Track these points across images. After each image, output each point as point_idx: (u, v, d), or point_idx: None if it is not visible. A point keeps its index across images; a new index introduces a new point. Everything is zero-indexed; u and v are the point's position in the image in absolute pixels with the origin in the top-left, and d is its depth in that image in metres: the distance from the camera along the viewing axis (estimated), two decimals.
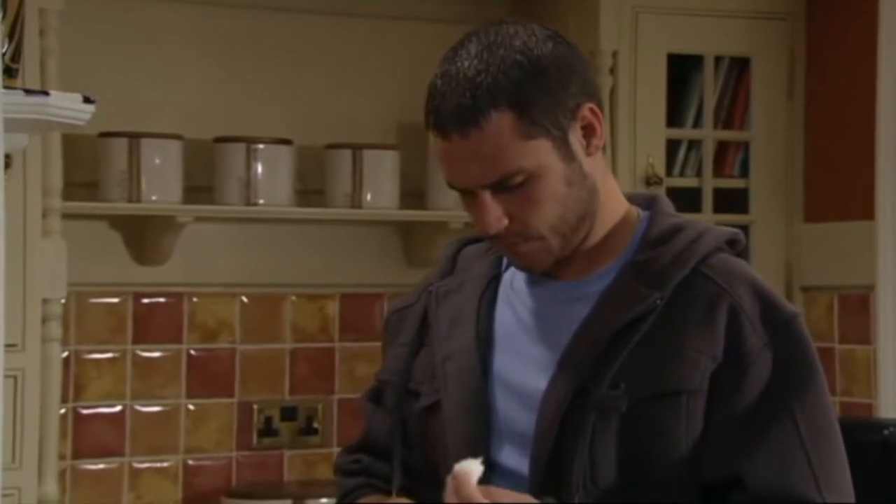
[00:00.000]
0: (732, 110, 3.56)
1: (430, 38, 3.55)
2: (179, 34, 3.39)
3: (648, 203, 1.61)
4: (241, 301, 3.46)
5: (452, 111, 1.46)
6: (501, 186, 1.48)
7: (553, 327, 1.54)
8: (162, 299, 3.38)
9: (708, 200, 3.49)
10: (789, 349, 1.50)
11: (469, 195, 1.51)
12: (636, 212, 1.60)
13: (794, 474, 1.46)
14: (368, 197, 3.37)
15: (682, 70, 3.50)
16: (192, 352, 3.42)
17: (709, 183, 3.52)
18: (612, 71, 3.40)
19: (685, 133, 3.53)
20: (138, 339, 3.36)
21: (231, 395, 3.44)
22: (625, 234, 1.57)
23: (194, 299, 3.41)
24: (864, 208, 3.32)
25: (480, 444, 1.51)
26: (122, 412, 3.34)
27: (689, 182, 3.50)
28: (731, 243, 1.58)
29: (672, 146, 3.50)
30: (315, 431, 3.50)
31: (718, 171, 3.54)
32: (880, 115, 3.27)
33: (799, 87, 3.55)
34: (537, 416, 1.50)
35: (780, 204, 3.54)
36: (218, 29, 3.41)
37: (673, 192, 3.18)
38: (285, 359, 3.49)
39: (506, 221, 1.49)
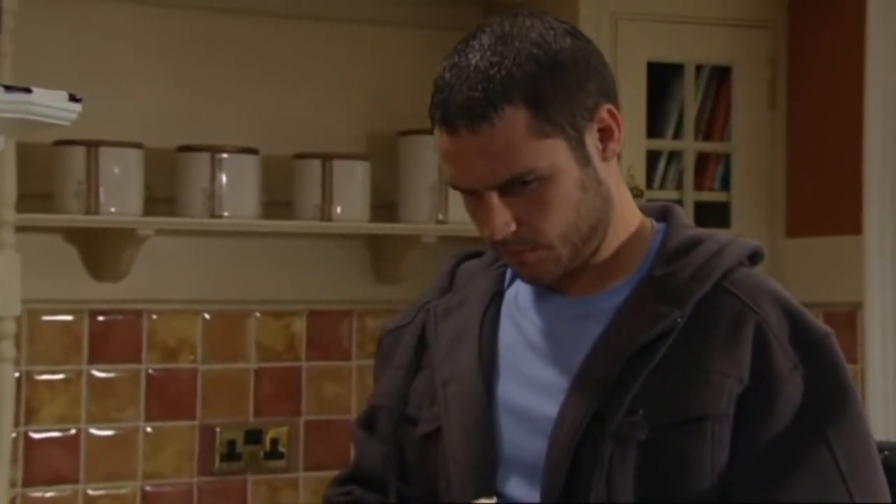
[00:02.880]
0: (713, 121, 3.40)
1: (402, 44, 3.38)
2: (140, 38, 3.17)
3: (662, 214, 1.49)
4: (204, 318, 3.24)
5: (462, 104, 1.35)
6: (511, 188, 1.37)
7: (562, 347, 1.42)
8: (120, 317, 3.15)
9: (689, 214, 3.29)
10: (821, 371, 1.38)
11: (474, 197, 1.39)
12: (650, 223, 1.48)
13: None
14: (338, 209, 3.17)
15: (661, 79, 3.33)
16: (151, 372, 3.19)
17: (689, 196, 3.34)
18: None
19: (665, 144, 3.36)
20: (94, 358, 3.13)
21: (192, 418, 3.21)
22: (638, 247, 1.45)
23: (154, 316, 3.19)
24: (850, 222, 3.16)
25: (486, 475, 1.40)
26: (76, 436, 3.11)
27: (669, 195, 3.32)
28: (752, 257, 1.46)
29: (652, 158, 3.32)
30: (280, 455, 3.28)
31: (699, 184, 3.38)
32: (867, 124, 3.12)
33: (781, 97, 3.40)
34: (548, 444, 1.37)
35: (763, 218, 3.38)
36: (181, 33, 3.20)
37: None
38: (249, 379, 3.27)
39: (513, 227, 1.38)
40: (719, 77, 3.39)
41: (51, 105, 1.70)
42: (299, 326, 3.30)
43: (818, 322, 1.42)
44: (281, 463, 3.28)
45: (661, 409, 1.35)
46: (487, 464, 1.40)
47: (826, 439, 1.36)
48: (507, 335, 1.46)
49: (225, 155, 3.08)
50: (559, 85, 1.36)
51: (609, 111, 1.40)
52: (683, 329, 1.37)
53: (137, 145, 3.03)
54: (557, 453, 1.36)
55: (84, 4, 3.10)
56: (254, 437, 3.25)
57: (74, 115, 1.72)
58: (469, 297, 1.49)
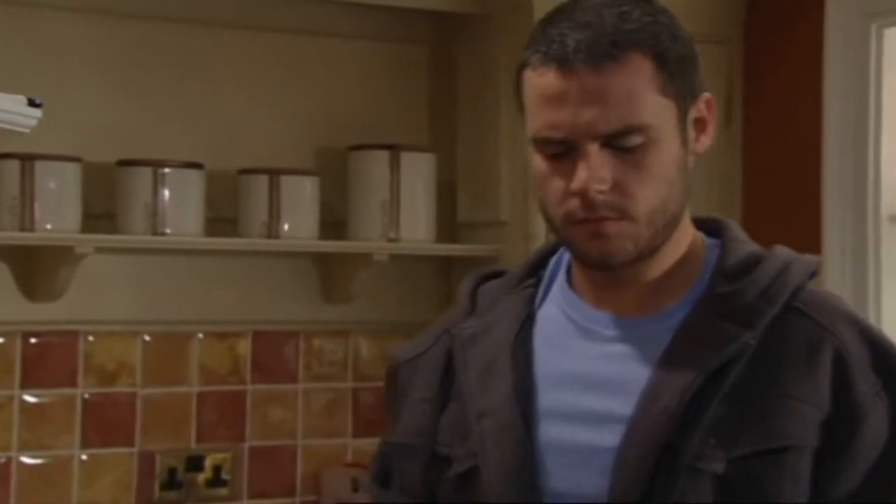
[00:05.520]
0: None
1: (352, 57, 3.21)
2: (80, 47, 2.96)
3: (713, 228, 1.36)
4: (144, 340, 3.02)
5: (587, 42, 1.23)
6: (615, 144, 1.24)
7: (616, 374, 1.28)
8: (54, 338, 2.93)
9: None
10: None
11: (564, 152, 1.25)
12: (701, 238, 1.35)
13: None
14: (286, 226, 2.99)
15: None
16: (88, 396, 2.97)
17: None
18: None
19: None
20: (27, 382, 2.91)
21: (131, 444, 3.00)
22: (693, 264, 1.32)
23: (91, 338, 2.98)
24: (809, 243, 3.03)
25: None
26: (6, 465, 2.88)
27: None
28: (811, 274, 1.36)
29: None
30: (223, 483, 3.07)
31: None
32: (826, 142, 3.01)
33: (737, 114, 3.27)
34: (611, 479, 1.24)
35: None
36: (122, 42, 3.00)
37: None
38: (191, 403, 3.06)
39: (607, 186, 1.24)
40: None
41: (8, 110, 1.49)
42: (244, 348, 3.11)
43: (893, 342, 1.31)
44: (224, 491, 3.08)
45: (736, 439, 1.23)
46: None
47: None
48: (545, 362, 1.32)
49: (168, 170, 2.89)
50: (680, 52, 1.28)
51: (708, 101, 1.31)
52: (755, 352, 1.26)
53: (75, 159, 2.84)
54: (624, 489, 1.23)
55: (19, 12, 2.89)
56: (195, 464, 3.05)
57: (34, 122, 1.52)
58: (497, 321, 1.35)
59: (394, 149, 3.07)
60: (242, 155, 3.04)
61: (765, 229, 3.21)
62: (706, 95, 1.31)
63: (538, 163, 1.27)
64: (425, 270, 3.23)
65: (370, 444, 3.21)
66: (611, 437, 1.25)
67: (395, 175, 3.05)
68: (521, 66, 1.28)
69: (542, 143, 1.26)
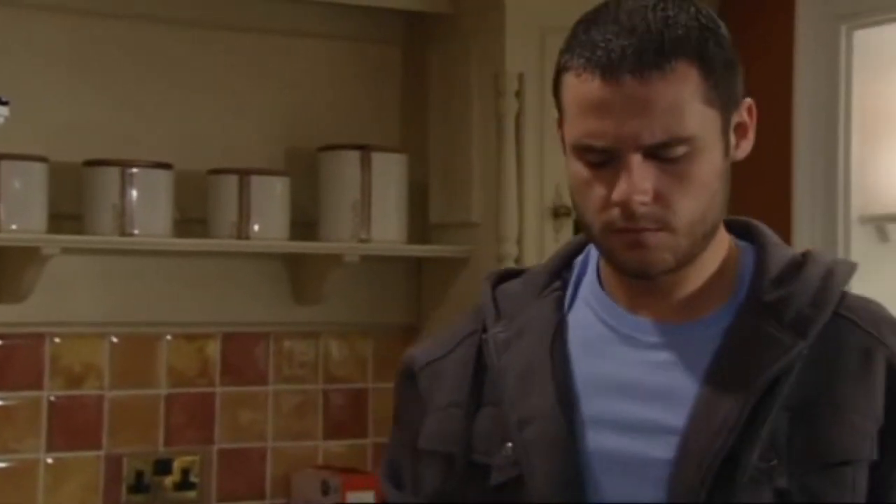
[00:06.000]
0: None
1: (322, 56, 3.17)
2: (46, 45, 2.90)
3: (743, 231, 1.32)
4: (111, 341, 2.97)
5: (633, 49, 1.18)
6: (658, 154, 1.20)
7: (659, 381, 1.24)
8: (20, 340, 2.87)
9: None
10: None
11: (605, 161, 1.20)
12: (734, 242, 1.30)
13: None
14: (256, 227, 2.94)
15: None
16: (54, 399, 2.91)
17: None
18: (518, 94, 3.02)
19: None
20: None
21: (97, 448, 2.94)
22: (730, 270, 1.28)
23: (57, 340, 2.92)
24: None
25: None
26: None
27: None
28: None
29: None
30: (192, 486, 3.02)
31: None
32: (797, 144, 3.00)
33: None
34: (668, 491, 1.20)
35: None
36: (90, 40, 2.94)
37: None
38: (159, 406, 3.01)
39: (649, 198, 1.20)
40: None
41: None
42: (213, 350, 3.06)
43: None
44: (192, 494, 3.02)
45: (796, 453, 1.20)
46: None
47: None
48: (585, 368, 1.26)
49: (136, 170, 2.84)
50: (725, 58, 1.23)
51: (749, 106, 1.27)
52: (806, 361, 1.22)
53: (42, 159, 2.78)
54: (682, 501, 1.19)
55: None
56: (163, 467, 3.00)
57: (0, 120, 1.46)
58: (529, 325, 1.29)
59: (365, 149, 3.03)
60: (212, 155, 2.99)
61: None
62: (748, 101, 1.28)
63: (578, 169, 1.22)
64: (397, 271, 3.20)
65: (340, 445, 3.19)
66: (663, 449, 1.21)
67: (366, 176, 3.02)
68: (562, 69, 1.23)
69: (582, 151, 1.21)
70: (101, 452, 2.95)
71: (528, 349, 1.28)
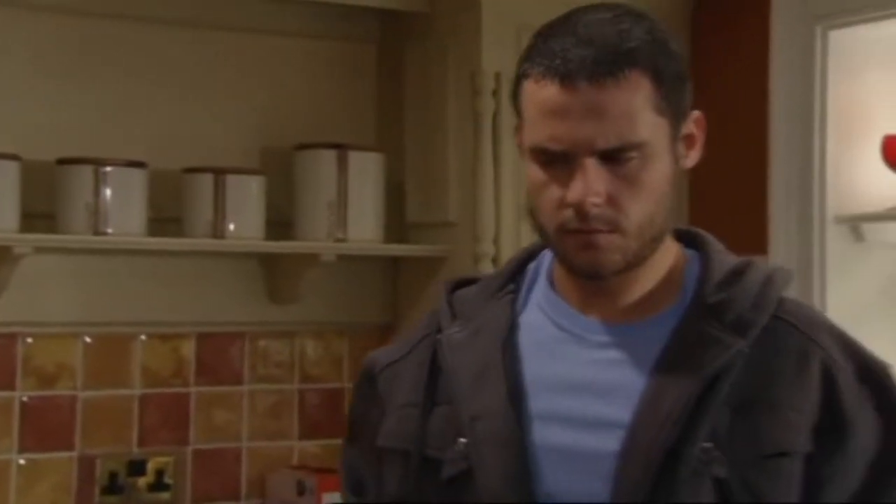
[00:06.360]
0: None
1: (298, 55, 3.14)
2: (18, 42, 2.86)
3: (690, 240, 1.39)
4: (84, 341, 2.93)
5: (589, 58, 1.25)
6: (612, 158, 1.26)
7: (607, 378, 1.30)
8: None
9: None
10: (889, 406, 1.32)
11: (561, 164, 1.27)
12: (681, 249, 1.37)
13: None
14: (231, 226, 2.91)
15: None
16: (26, 399, 2.87)
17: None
18: (495, 93, 3.01)
19: None
20: None
21: (70, 448, 2.90)
22: (677, 274, 1.34)
23: (29, 340, 2.88)
24: (755, 242, 3.01)
25: None
26: None
27: None
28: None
29: None
30: (166, 488, 2.99)
31: None
32: (772, 143, 2.99)
33: None
34: (614, 483, 1.25)
35: None
36: (62, 38, 2.90)
37: None
38: (133, 406, 2.97)
39: (602, 199, 1.26)
40: None
41: None
42: (188, 349, 3.03)
43: (876, 355, 1.35)
44: (166, 495, 2.99)
45: (735, 445, 1.26)
46: None
47: None
48: (536, 367, 1.32)
49: (109, 168, 2.80)
50: (676, 71, 1.30)
51: (698, 118, 1.34)
52: (747, 360, 1.29)
53: (13, 157, 2.74)
54: (627, 495, 1.25)
55: None
56: (137, 468, 2.96)
57: None
58: (484, 326, 1.35)
59: (341, 148, 3.01)
60: (187, 153, 2.96)
61: (711, 229, 3.21)
62: (696, 113, 1.34)
63: (534, 171, 1.28)
64: (373, 271, 3.17)
65: (316, 445, 3.16)
66: (610, 442, 1.26)
67: (342, 175, 2.99)
68: (521, 77, 1.29)
69: (540, 154, 1.27)
70: (75, 453, 2.92)
71: (481, 349, 1.33)
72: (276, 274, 3.07)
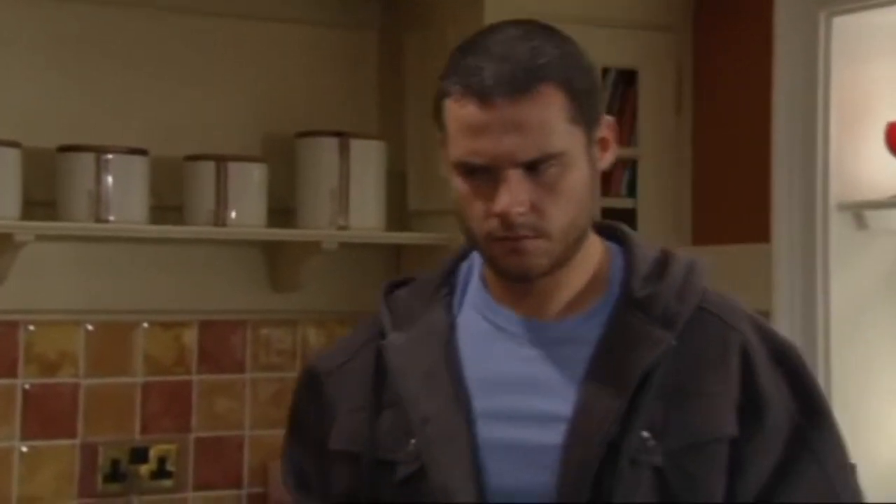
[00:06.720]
0: (619, 125, 3.20)
1: (300, 42, 3.12)
2: (19, 29, 2.85)
3: (609, 234, 1.45)
4: (86, 329, 2.92)
5: (504, 75, 1.31)
6: (534, 168, 1.33)
7: (545, 374, 1.36)
8: None
9: None
10: (802, 387, 1.41)
11: (485, 176, 1.33)
12: (604, 244, 1.44)
13: None
14: (233, 214, 2.90)
15: None
16: (28, 387, 2.86)
17: (597, 202, 3.15)
18: None
19: None
20: None
21: (73, 436, 2.90)
22: (603, 269, 1.42)
23: (31, 328, 2.87)
24: (758, 230, 3.00)
25: None
26: None
27: None
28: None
29: None
30: (168, 475, 2.98)
31: (605, 190, 3.17)
32: (775, 130, 2.96)
33: (687, 102, 3.22)
34: (559, 476, 1.32)
35: (669, 225, 3.20)
36: (62, 24, 2.89)
37: None
38: (136, 394, 2.96)
39: (526, 208, 1.33)
40: (625, 81, 3.21)
41: None
42: (190, 337, 3.02)
43: (785, 336, 1.44)
44: (168, 483, 2.99)
45: (669, 434, 1.33)
46: (481, 501, 1.34)
47: (815, 454, 1.38)
48: (476, 367, 1.38)
49: (111, 156, 2.79)
50: (587, 81, 1.37)
51: (609, 123, 1.40)
52: (675, 351, 1.36)
53: (14, 144, 2.73)
54: (572, 484, 1.31)
55: None
56: (140, 455, 2.96)
57: None
58: (426, 329, 1.41)
59: (343, 136, 2.99)
60: (188, 141, 2.95)
61: (714, 217, 3.21)
62: (608, 119, 1.40)
63: (460, 183, 1.35)
64: (375, 259, 3.16)
65: None
66: (553, 435, 1.32)
67: (344, 162, 2.98)
68: (441, 95, 1.35)
69: (464, 168, 1.33)
70: (77, 441, 2.91)
71: (424, 352, 1.38)
72: (277, 262, 3.06)
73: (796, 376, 1.40)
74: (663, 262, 1.41)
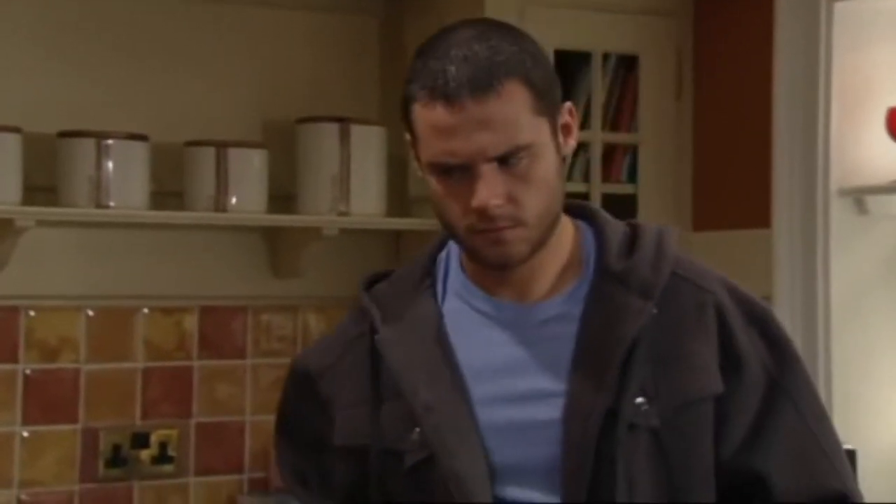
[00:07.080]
0: (620, 111, 3.20)
1: (299, 27, 3.11)
2: (20, 15, 2.84)
3: (576, 212, 1.50)
4: (87, 315, 2.92)
5: (469, 77, 1.36)
6: (506, 161, 1.38)
7: (535, 354, 1.43)
8: None
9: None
10: (775, 342, 1.47)
11: (460, 174, 1.38)
12: (574, 223, 1.49)
13: (817, 469, 1.45)
14: (233, 200, 2.89)
15: (568, 68, 3.12)
16: (29, 372, 2.86)
17: (597, 188, 3.14)
18: None
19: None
20: None
21: (74, 421, 2.90)
22: (576, 248, 1.47)
23: (32, 313, 2.87)
24: (758, 216, 2.99)
25: (491, 493, 1.40)
26: None
27: (577, 187, 3.10)
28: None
29: None
30: (170, 460, 2.98)
31: (605, 176, 3.17)
32: (776, 115, 2.95)
33: (687, 88, 3.21)
34: (563, 448, 1.38)
35: (669, 211, 3.19)
36: (65, 10, 2.88)
37: None
38: (136, 379, 2.96)
39: (502, 200, 1.38)
40: (626, 66, 3.20)
41: None
42: (191, 323, 3.02)
43: (757, 297, 1.49)
44: (169, 468, 2.98)
45: (661, 396, 1.39)
46: (489, 484, 1.40)
47: (795, 403, 1.45)
48: (468, 354, 1.43)
49: (111, 141, 2.78)
50: (545, 74, 1.41)
51: (570, 109, 1.44)
52: (656, 319, 1.41)
53: (15, 129, 2.72)
54: (576, 455, 1.37)
55: None
56: (141, 440, 2.95)
57: None
58: (415, 321, 1.45)
59: (344, 122, 2.98)
60: (189, 127, 2.94)
61: (715, 202, 3.20)
62: (567, 105, 1.45)
63: (435, 184, 1.39)
64: (375, 245, 3.15)
65: None
66: (550, 411, 1.39)
67: (344, 148, 2.97)
68: (408, 100, 1.39)
69: (438, 167, 1.38)
70: (78, 426, 2.91)
71: (418, 344, 1.43)
72: (278, 248, 3.05)
73: (769, 334, 1.46)
74: (633, 235, 1.46)
